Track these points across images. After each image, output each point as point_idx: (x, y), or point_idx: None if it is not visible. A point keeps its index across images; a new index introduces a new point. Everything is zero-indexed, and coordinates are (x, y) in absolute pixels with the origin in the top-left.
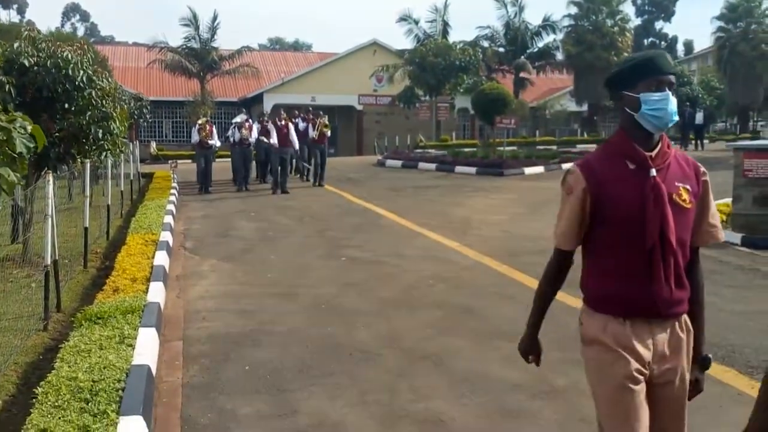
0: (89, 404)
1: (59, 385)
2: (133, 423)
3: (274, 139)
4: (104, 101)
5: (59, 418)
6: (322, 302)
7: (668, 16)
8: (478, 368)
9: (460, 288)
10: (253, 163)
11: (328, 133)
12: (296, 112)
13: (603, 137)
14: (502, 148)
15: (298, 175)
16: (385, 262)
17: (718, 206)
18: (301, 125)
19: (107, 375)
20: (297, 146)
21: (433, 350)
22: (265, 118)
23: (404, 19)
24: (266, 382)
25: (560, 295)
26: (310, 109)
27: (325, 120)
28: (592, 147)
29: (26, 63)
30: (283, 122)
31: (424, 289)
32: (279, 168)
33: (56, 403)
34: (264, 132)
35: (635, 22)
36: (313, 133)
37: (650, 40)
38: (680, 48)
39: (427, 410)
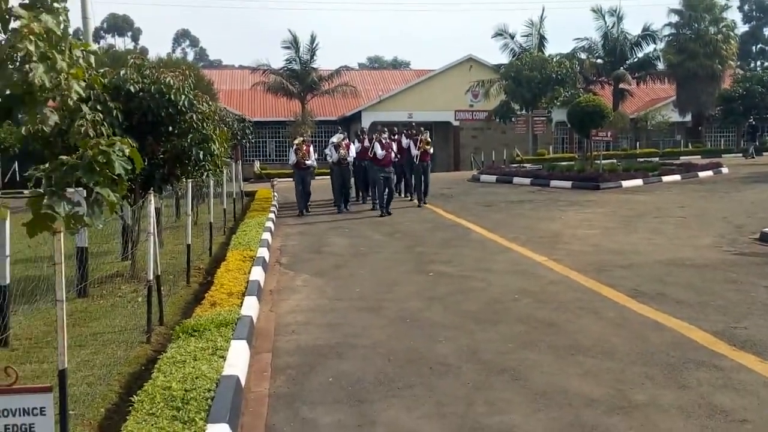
0: (180, 412)
1: (154, 394)
2: (219, 430)
3: (379, 152)
4: (204, 124)
5: (152, 425)
6: (407, 316)
7: None
8: (557, 382)
9: (544, 302)
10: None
11: (431, 150)
12: (395, 129)
13: (708, 148)
14: (599, 161)
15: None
16: (471, 276)
17: None
18: (404, 142)
19: (199, 385)
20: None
21: (512, 364)
22: (364, 135)
23: (500, 33)
24: (348, 393)
25: (643, 309)
26: (414, 124)
27: (427, 137)
28: (696, 158)
29: (132, 89)
30: (386, 139)
31: (508, 303)
32: (384, 187)
33: (150, 411)
34: (364, 151)
35: (742, 28)
36: (415, 151)
37: (759, 46)
38: None
39: (501, 423)
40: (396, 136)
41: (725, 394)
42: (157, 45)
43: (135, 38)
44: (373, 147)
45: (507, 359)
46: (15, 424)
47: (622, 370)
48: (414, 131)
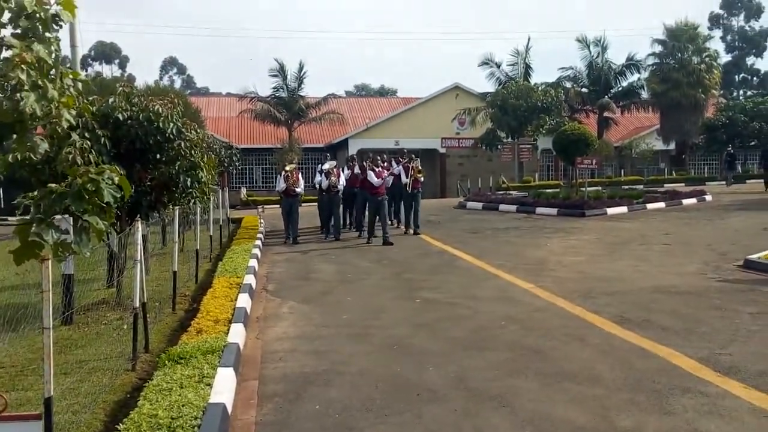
0: None
1: (140, 422)
2: None
3: (372, 179)
4: (192, 151)
5: None
6: (394, 343)
7: (760, 51)
8: (543, 409)
9: (530, 330)
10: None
11: (422, 179)
12: (383, 156)
13: (692, 176)
14: (584, 189)
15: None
16: (458, 303)
17: None
18: (395, 169)
19: (185, 412)
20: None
21: (499, 391)
22: (353, 162)
23: (486, 62)
24: (335, 421)
25: (629, 336)
26: (405, 151)
27: (418, 164)
28: (680, 185)
29: (120, 117)
30: (379, 167)
31: (495, 330)
32: (376, 215)
33: None
34: (354, 178)
35: (725, 58)
36: (406, 179)
37: (741, 75)
38: None
39: None
40: (385, 164)
41: (710, 420)
42: (145, 72)
43: (122, 66)
44: (366, 174)
45: (494, 386)
46: None
47: (607, 396)
48: (405, 158)
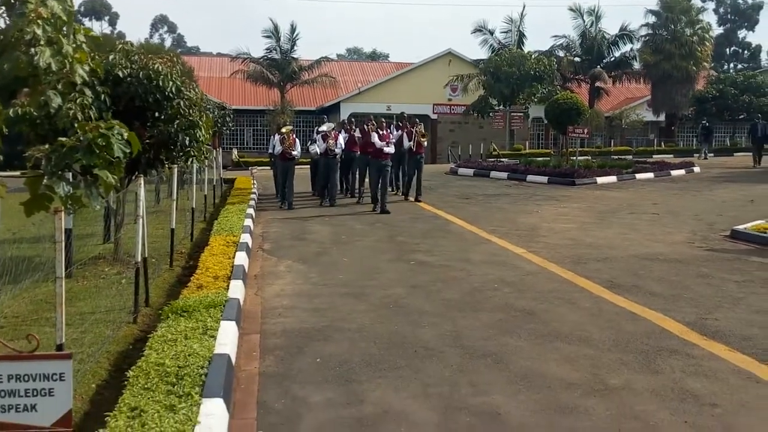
0: (175, 387)
1: (148, 370)
2: (215, 405)
3: (377, 141)
4: (191, 110)
5: (148, 398)
6: (390, 302)
7: (752, 25)
8: (536, 367)
9: (523, 292)
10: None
11: (425, 143)
12: (382, 120)
13: (681, 147)
14: (574, 158)
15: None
16: (451, 266)
17: None
18: (395, 134)
19: (191, 362)
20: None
21: (493, 349)
22: (353, 126)
23: (479, 29)
24: (336, 374)
25: (618, 300)
26: (405, 115)
27: (422, 128)
28: (669, 157)
29: (120, 74)
30: (384, 130)
31: (488, 292)
32: (379, 181)
33: (146, 386)
34: (352, 140)
35: (717, 31)
36: (408, 143)
37: (732, 49)
38: (764, 57)
39: (485, 404)
40: (386, 128)
41: (697, 380)
42: (135, 30)
43: (112, 23)
44: (369, 137)
45: (488, 345)
46: (35, 388)
47: (598, 356)
48: (407, 122)
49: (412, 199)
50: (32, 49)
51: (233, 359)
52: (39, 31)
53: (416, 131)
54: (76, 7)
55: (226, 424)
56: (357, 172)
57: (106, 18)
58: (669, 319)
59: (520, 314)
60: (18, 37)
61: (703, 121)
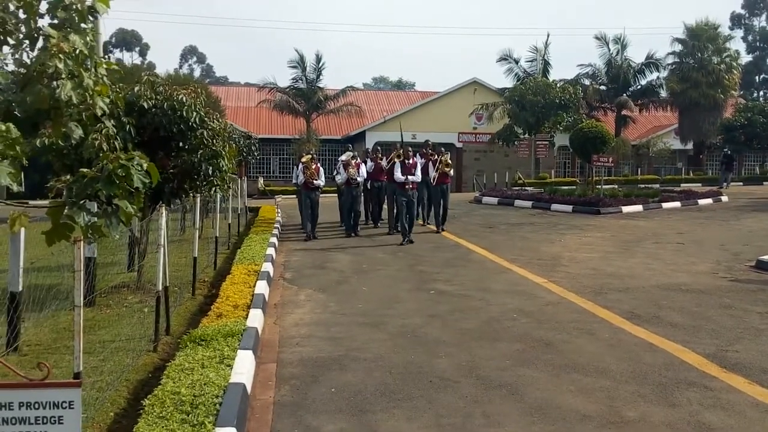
0: (189, 416)
1: (164, 399)
2: None
3: (397, 174)
4: (214, 140)
5: (162, 427)
6: (408, 332)
7: None
8: (552, 398)
9: (541, 322)
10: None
11: (451, 173)
12: (408, 148)
13: (709, 176)
14: (600, 187)
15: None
16: (471, 295)
17: None
18: (420, 162)
19: (207, 391)
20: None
21: (509, 380)
22: (378, 155)
23: (504, 58)
24: (350, 403)
25: (638, 331)
26: (430, 143)
27: (447, 158)
28: (697, 185)
29: (145, 105)
30: (410, 159)
31: (507, 322)
32: (405, 212)
33: (161, 414)
34: (378, 170)
35: (746, 58)
36: (433, 173)
37: (762, 77)
38: None
39: None
40: (412, 157)
41: (714, 413)
42: (165, 61)
43: (143, 53)
44: (391, 167)
45: (504, 375)
46: (45, 416)
47: (615, 388)
48: (431, 150)
49: (434, 228)
50: (54, 83)
51: (249, 388)
52: (60, 65)
53: (441, 160)
54: (107, 38)
55: None
56: (385, 202)
57: (137, 49)
58: (688, 350)
59: (537, 345)
60: (40, 71)
61: (725, 150)
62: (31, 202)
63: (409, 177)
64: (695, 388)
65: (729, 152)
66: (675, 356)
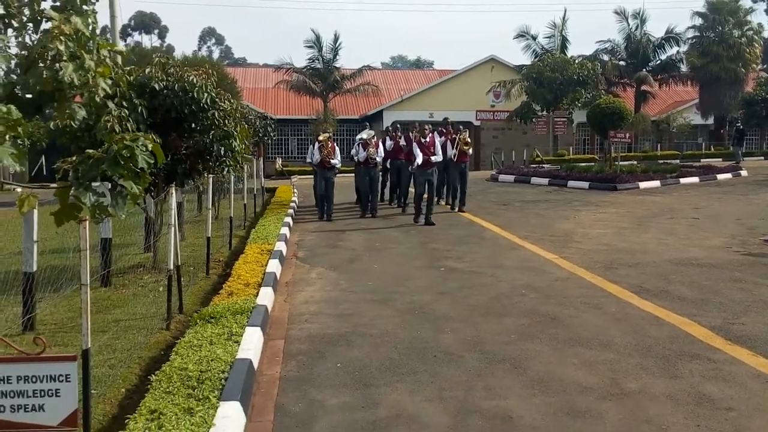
0: (195, 390)
1: (171, 374)
2: (231, 407)
3: (419, 158)
4: (226, 121)
5: (168, 401)
6: (416, 308)
7: None
8: (554, 371)
9: (549, 297)
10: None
11: (470, 152)
12: (427, 126)
13: (730, 150)
14: (617, 163)
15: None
16: (481, 272)
17: None
18: (439, 140)
19: (213, 366)
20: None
21: (512, 354)
22: (398, 133)
23: (522, 35)
24: (354, 378)
25: (645, 305)
26: (449, 121)
27: (466, 136)
28: (717, 161)
29: (156, 87)
30: (428, 138)
31: (515, 298)
32: (423, 193)
33: (167, 389)
34: (397, 149)
35: None
36: (452, 152)
37: None
38: None
39: (498, 407)
40: (429, 135)
41: (715, 385)
42: (184, 43)
43: (162, 36)
44: (410, 146)
45: (509, 350)
46: (42, 389)
47: (618, 360)
48: (451, 129)
49: (456, 209)
50: (56, 65)
51: (255, 364)
52: (62, 47)
53: (459, 139)
54: (126, 21)
55: (242, 426)
56: (403, 181)
57: (156, 31)
58: (695, 323)
59: (544, 319)
60: (42, 53)
61: (738, 124)
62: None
63: (432, 158)
64: (698, 360)
65: (740, 126)
66: (680, 329)
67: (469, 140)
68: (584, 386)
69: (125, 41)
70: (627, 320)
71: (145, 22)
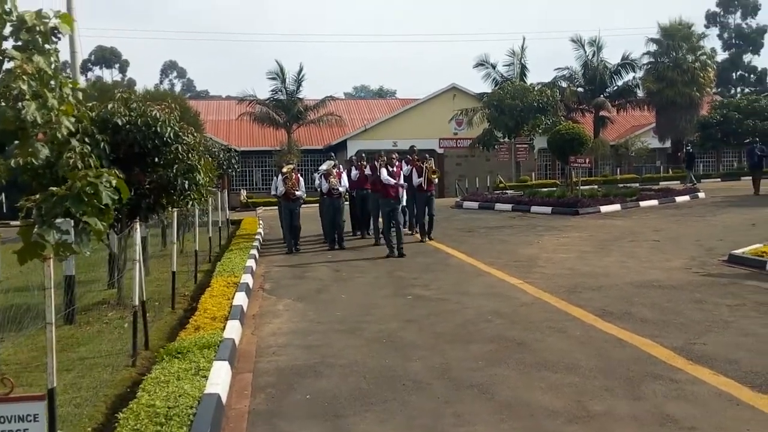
0: (163, 427)
1: (139, 411)
2: None
3: (387, 178)
4: (189, 155)
5: None
6: (384, 337)
7: (756, 49)
8: (521, 396)
9: (515, 323)
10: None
11: (436, 180)
12: (393, 155)
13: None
14: (579, 188)
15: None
16: (448, 299)
17: None
18: (405, 169)
19: (181, 402)
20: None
21: (480, 380)
22: (363, 162)
23: (482, 63)
24: (324, 409)
25: (608, 327)
26: (415, 149)
27: (432, 164)
28: (676, 183)
29: (119, 122)
30: (395, 166)
31: (481, 324)
32: (390, 222)
33: (135, 427)
34: (362, 179)
35: (722, 56)
36: (419, 180)
37: (739, 73)
38: None
39: None
40: (397, 163)
41: (678, 405)
42: (145, 77)
43: (123, 70)
44: (378, 174)
45: (476, 376)
46: (10, 430)
47: (583, 383)
48: (417, 157)
49: (419, 237)
50: (19, 104)
51: (224, 398)
52: (24, 87)
53: (426, 167)
54: (86, 56)
55: None
56: (371, 212)
57: (116, 66)
58: (657, 344)
59: (510, 345)
60: (5, 93)
61: (687, 147)
62: (13, 223)
63: (398, 181)
64: (661, 380)
65: (690, 150)
66: (643, 351)
67: (436, 169)
68: (551, 410)
69: (86, 76)
70: (591, 343)
71: (106, 57)
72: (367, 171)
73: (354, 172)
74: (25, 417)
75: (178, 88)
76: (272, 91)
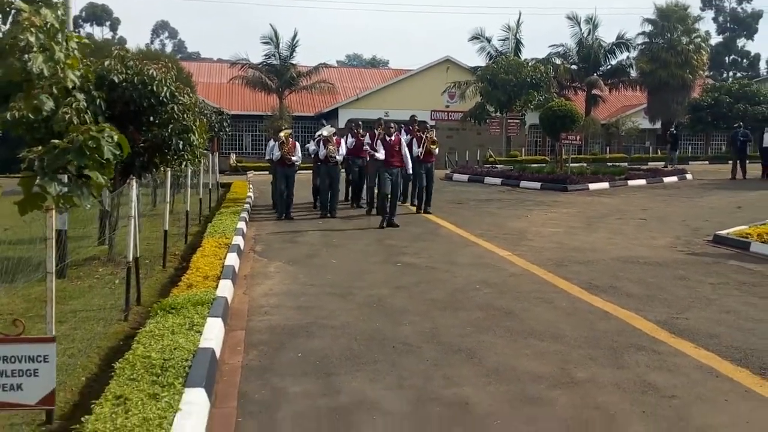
0: (159, 377)
1: (135, 362)
2: (196, 394)
3: (381, 154)
4: (185, 115)
5: (133, 387)
6: (374, 302)
7: (751, 33)
8: (508, 361)
9: (503, 293)
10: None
11: (436, 151)
12: (392, 124)
13: (677, 155)
14: (568, 164)
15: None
16: (437, 268)
17: None
18: (405, 138)
19: (176, 355)
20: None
21: (469, 345)
22: (360, 130)
23: (477, 37)
24: (315, 367)
25: (594, 300)
26: (416, 119)
27: (433, 135)
28: (663, 164)
29: (115, 80)
30: (392, 135)
31: (470, 292)
32: (390, 193)
33: (131, 376)
34: (359, 147)
35: (716, 39)
36: (418, 150)
37: (732, 57)
38: (763, 66)
39: (455, 395)
40: (396, 133)
41: (659, 374)
42: (136, 36)
43: (114, 28)
44: (375, 143)
45: (464, 341)
46: (21, 369)
47: (568, 352)
48: (417, 127)
49: (422, 211)
50: (26, 56)
51: (218, 353)
52: (32, 39)
53: (426, 137)
54: (77, 13)
55: (206, 411)
56: (367, 181)
57: (107, 23)
58: (641, 318)
59: (498, 313)
60: (12, 44)
61: (671, 129)
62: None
63: (378, 155)
64: (644, 351)
65: (675, 131)
66: (627, 323)
67: (436, 139)
68: (537, 375)
69: (77, 33)
70: (577, 314)
71: (97, 14)
72: (366, 139)
73: (350, 140)
74: (36, 357)
75: (169, 48)
76: (265, 55)
